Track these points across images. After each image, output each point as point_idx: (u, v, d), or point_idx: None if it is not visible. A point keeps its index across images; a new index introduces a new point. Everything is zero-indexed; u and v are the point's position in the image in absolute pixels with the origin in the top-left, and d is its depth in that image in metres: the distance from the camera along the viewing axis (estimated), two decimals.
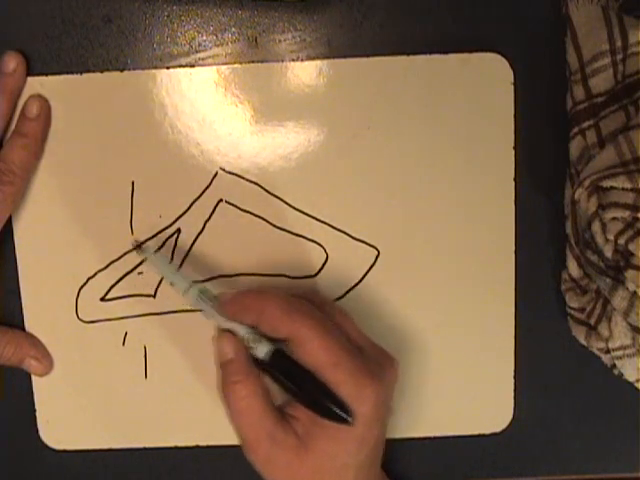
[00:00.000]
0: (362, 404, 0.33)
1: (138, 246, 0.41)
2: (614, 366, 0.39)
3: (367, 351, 0.36)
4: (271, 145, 0.41)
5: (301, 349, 0.34)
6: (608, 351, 0.38)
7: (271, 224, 0.41)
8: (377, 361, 0.36)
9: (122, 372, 0.42)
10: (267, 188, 0.41)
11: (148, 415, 0.43)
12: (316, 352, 0.34)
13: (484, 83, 0.40)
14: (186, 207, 0.41)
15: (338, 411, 0.33)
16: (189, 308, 0.41)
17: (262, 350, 0.35)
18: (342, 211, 0.41)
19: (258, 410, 0.34)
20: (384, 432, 0.37)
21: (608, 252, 0.36)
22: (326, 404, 0.33)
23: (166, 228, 0.41)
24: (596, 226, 0.36)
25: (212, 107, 0.40)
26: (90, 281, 0.42)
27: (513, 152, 0.41)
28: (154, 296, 0.42)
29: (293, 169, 0.41)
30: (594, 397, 0.43)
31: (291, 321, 0.34)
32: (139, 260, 0.41)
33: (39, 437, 0.43)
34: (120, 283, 0.42)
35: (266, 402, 0.35)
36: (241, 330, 0.35)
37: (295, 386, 0.34)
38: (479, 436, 0.42)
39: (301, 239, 0.41)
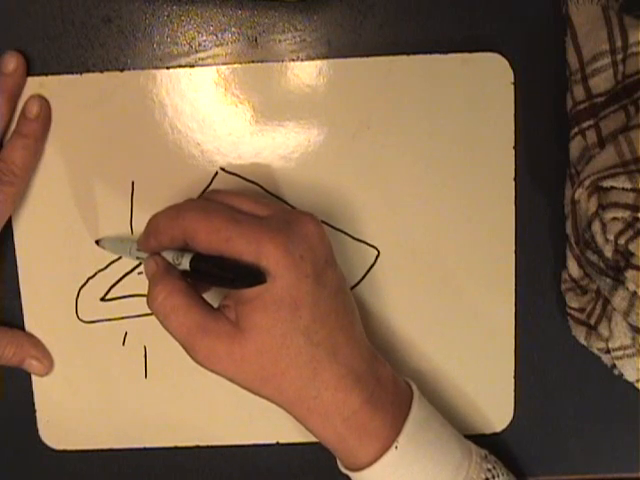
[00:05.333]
0: (268, 260, 0.32)
1: (97, 242, 0.41)
2: (614, 366, 0.39)
3: (270, 217, 0.35)
4: (271, 145, 0.41)
5: (196, 242, 0.34)
6: (608, 351, 0.38)
7: None
8: (283, 220, 0.34)
9: (122, 372, 0.42)
10: (267, 188, 0.41)
11: (148, 415, 0.43)
12: (207, 238, 0.33)
13: (484, 83, 0.40)
14: None
15: (248, 273, 0.32)
16: None
17: (185, 263, 0.35)
18: (342, 211, 0.41)
19: (182, 306, 0.34)
20: (329, 292, 0.34)
21: (608, 252, 0.36)
22: (237, 272, 0.32)
23: None
24: (596, 226, 0.36)
25: (212, 107, 0.40)
26: (90, 281, 0.42)
27: (513, 152, 0.41)
28: None
29: (293, 169, 0.41)
30: (594, 397, 0.43)
31: (178, 223, 0.34)
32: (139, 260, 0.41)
33: (39, 437, 0.43)
34: (120, 283, 0.42)
35: (189, 297, 0.34)
36: (166, 255, 0.36)
37: (211, 275, 0.33)
38: (479, 436, 0.42)
39: None
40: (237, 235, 0.33)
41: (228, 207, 0.35)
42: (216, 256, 0.33)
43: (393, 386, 0.36)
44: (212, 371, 0.34)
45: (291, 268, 0.33)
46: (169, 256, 0.36)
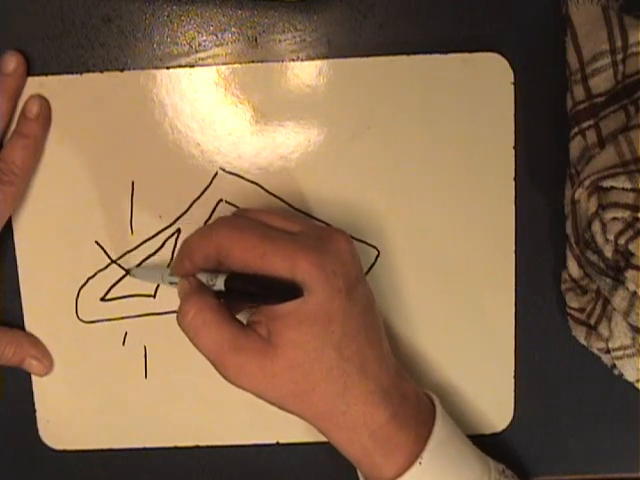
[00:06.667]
0: (303, 276, 0.32)
1: (127, 272, 0.41)
2: (614, 366, 0.39)
3: (302, 233, 0.35)
4: (271, 145, 0.41)
5: (230, 259, 0.34)
6: (608, 351, 0.38)
7: None
8: (315, 236, 0.35)
9: (122, 372, 0.42)
10: (267, 188, 0.41)
11: (148, 415, 0.43)
12: (241, 254, 0.33)
13: (484, 83, 0.40)
14: (186, 207, 0.41)
15: (283, 289, 0.33)
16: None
17: (220, 283, 0.34)
18: (342, 211, 0.41)
19: (214, 321, 0.34)
20: (359, 307, 0.34)
21: (608, 252, 0.36)
22: (274, 288, 0.33)
23: (166, 228, 0.41)
24: (596, 226, 0.36)
25: (212, 107, 0.40)
26: (90, 281, 0.42)
27: (513, 152, 0.41)
28: (154, 296, 0.42)
29: (293, 169, 0.41)
30: (594, 397, 0.43)
31: (211, 241, 0.34)
32: (139, 260, 0.41)
33: (39, 437, 0.43)
34: (120, 283, 0.42)
35: (220, 314, 0.34)
36: (200, 277, 0.36)
37: (247, 293, 0.34)
38: (479, 436, 0.42)
39: None
40: (272, 251, 0.33)
41: (260, 224, 0.35)
42: (251, 274, 0.33)
43: (416, 401, 0.37)
44: (241, 388, 0.34)
45: (325, 284, 0.33)
46: (203, 278, 0.36)
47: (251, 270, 0.33)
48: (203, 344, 0.34)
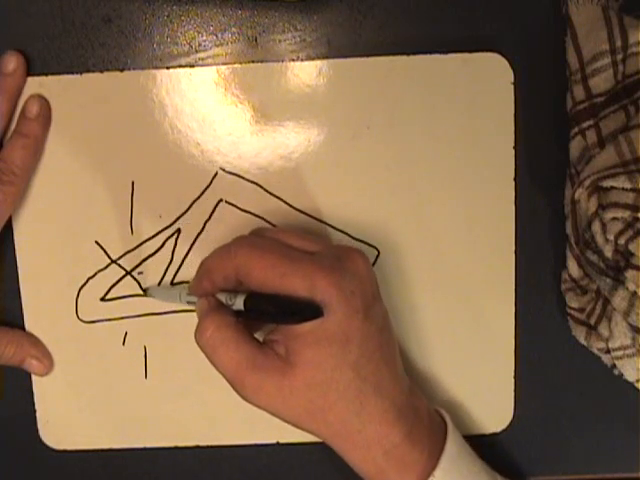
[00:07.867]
0: (322, 296, 0.33)
1: (144, 291, 0.42)
2: (614, 366, 0.39)
3: (321, 252, 0.35)
4: (271, 145, 0.41)
5: (250, 279, 0.34)
6: (608, 351, 0.38)
7: (271, 224, 0.41)
8: (334, 256, 0.35)
9: (122, 372, 0.42)
10: (267, 188, 0.41)
11: (148, 415, 0.43)
12: (261, 274, 0.33)
13: (484, 83, 0.40)
14: (186, 207, 0.41)
15: (302, 309, 0.33)
16: (189, 308, 0.41)
17: (239, 302, 0.35)
18: (342, 211, 0.41)
19: (232, 340, 0.34)
20: (376, 327, 0.35)
21: (608, 252, 0.36)
22: (291, 307, 0.33)
23: (166, 228, 0.41)
24: (596, 226, 0.36)
25: (212, 107, 0.40)
26: (90, 281, 0.42)
27: (513, 152, 0.41)
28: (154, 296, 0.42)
29: (293, 169, 0.41)
30: (594, 397, 0.43)
31: (230, 261, 0.34)
32: (139, 260, 0.41)
33: (39, 437, 0.43)
34: (120, 283, 0.42)
35: (239, 332, 0.34)
36: (219, 296, 0.36)
37: (267, 312, 0.34)
38: (479, 436, 0.42)
39: None
40: (292, 271, 0.33)
41: (279, 243, 0.35)
42: (271, 294, 0.33)
43: (428, 419, 0.37)
44: (258, 406, 0.34)
45: (343, 304, 0.33)
46: (222, 297, 0.36)
47: (270, 290, 0.33)
48: (221, 362, 0.34)
